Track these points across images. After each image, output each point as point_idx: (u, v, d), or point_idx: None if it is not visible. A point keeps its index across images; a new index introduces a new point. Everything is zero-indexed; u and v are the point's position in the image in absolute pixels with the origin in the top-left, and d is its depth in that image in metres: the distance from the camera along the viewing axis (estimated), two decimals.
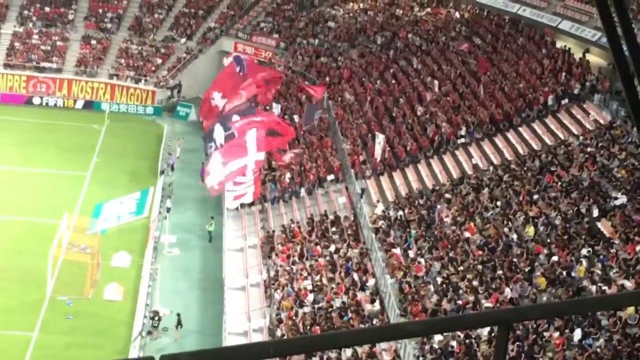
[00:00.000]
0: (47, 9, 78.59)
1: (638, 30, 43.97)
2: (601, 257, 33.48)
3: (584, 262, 33.27)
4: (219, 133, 37.45)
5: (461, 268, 37.07)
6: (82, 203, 52.28)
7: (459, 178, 45.56)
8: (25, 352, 38.72)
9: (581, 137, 43.66)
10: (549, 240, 35.96)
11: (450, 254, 38.32)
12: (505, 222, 38.87)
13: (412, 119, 52.90)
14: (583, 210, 36.63)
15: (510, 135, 47.70)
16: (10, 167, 56.79)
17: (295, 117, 57.86)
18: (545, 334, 30.76)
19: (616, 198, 36.24)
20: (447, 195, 43.88)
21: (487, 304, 33.78)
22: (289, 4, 78.84)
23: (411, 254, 39.90)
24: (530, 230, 37.11)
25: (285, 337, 35.17)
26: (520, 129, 47.86)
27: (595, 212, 35.85)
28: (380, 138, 49.22)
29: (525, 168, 42.96)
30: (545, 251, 35.34)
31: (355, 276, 40.47)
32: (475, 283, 35.48)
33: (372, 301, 38.34)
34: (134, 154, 61.39)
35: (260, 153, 37.65)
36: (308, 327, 37.68)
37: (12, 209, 50.59)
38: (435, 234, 40.66)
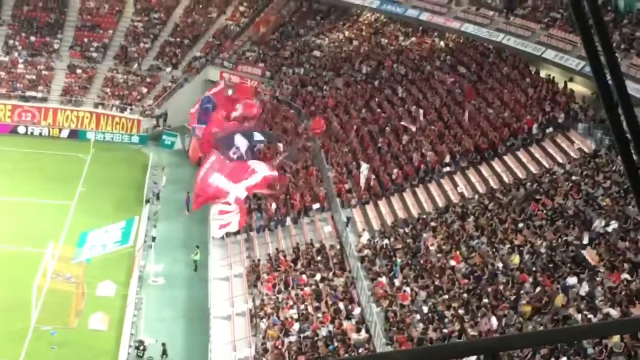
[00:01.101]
0: (32, 38, 78.70)
1: (621, 59, 44.29)
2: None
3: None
4: (241, 141, 37.69)
5: (446, 297, 37.05)
6: (67, 232, 52.12)
7: (445, 206, 45.62)
8: None
9: (566, 166, 43.81)
10: (534, 269, 35.97)
11: (436, 283, 38.29)
12: (490, 250, 38.90)
13: (398, 147, 53.02)
14: (570, 239, 36.69)
15: (495, 164, 47.82)
16: None
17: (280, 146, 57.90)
18: None
19: (607, 225, 36.27)
20: (433, 224, 43.91)
21: (472, 332, 33.74)
22: (274, 34, 79.11)
23: (397, 282, 39.86)
24: (515, 259, 37.11)
25: None
26: (505, 157, 47.99)
27: (586, 239, 35.86)
28: (364, 167, 49.32)
29: (510, 196, 43.04)
30: (531, 279, 35.35)
31: (341, 305, 40.40)
32: (461, 312, 35.46)
33: (358, 330, 38.27)
34: (119, 183, 61.29)
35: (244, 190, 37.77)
36: (294, 357, 37.58)
37: None
38: (421, 263, 40.65)
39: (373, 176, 50.15)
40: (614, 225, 36.04)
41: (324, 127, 56.74)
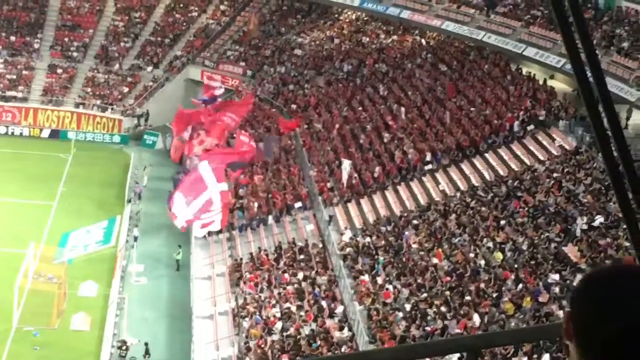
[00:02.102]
0: (12, 38, 78.31)
1: (601, 57, 44.41)
2: (568, 282, 33.59)
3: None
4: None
5: (429, 294, 37.08)
6: (49, 232, 51.92)
7: (427, 204, 45.66)
8: None
9: (547, 163, 43.94)
10: (516, 266, 36.06)
11: (419, 281, 38.32)
12: (472, 248, 38.96)
13: (379, 145, 53.05)
14: (551, 236, 36.81)
15: (477, 161, 47.91)
16: None
17: (260, 145, 57.84)
18: (513, 359, 30.79)
19: (592, 220, 36.39)
20: (415, 222, 43.95)
21: (455, 330, 33.80)
22: (256, 32, 78.99)
23: (379, 280, 39.87)
24: (497, 256, 37.20)
25: None
26: (486, 155, 48.09)
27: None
28: (346, 164, 49.34)
29: (492, 194, 43.13)
30: (513, 277, 35.43)
31: (324, 303, 40.38)
32: (443, 309, 35.50)
33: (341, 328, 38.26)
34: (100, 183, 61.09)
35: (222, 184, 37.55)
36: (277, 356, 37.54)
37: None
38: (403, 261, 40.67)
39: (355, 174, 50.15)
40: (600, 219, 36.20)
41: (296, 125, 57.07)
